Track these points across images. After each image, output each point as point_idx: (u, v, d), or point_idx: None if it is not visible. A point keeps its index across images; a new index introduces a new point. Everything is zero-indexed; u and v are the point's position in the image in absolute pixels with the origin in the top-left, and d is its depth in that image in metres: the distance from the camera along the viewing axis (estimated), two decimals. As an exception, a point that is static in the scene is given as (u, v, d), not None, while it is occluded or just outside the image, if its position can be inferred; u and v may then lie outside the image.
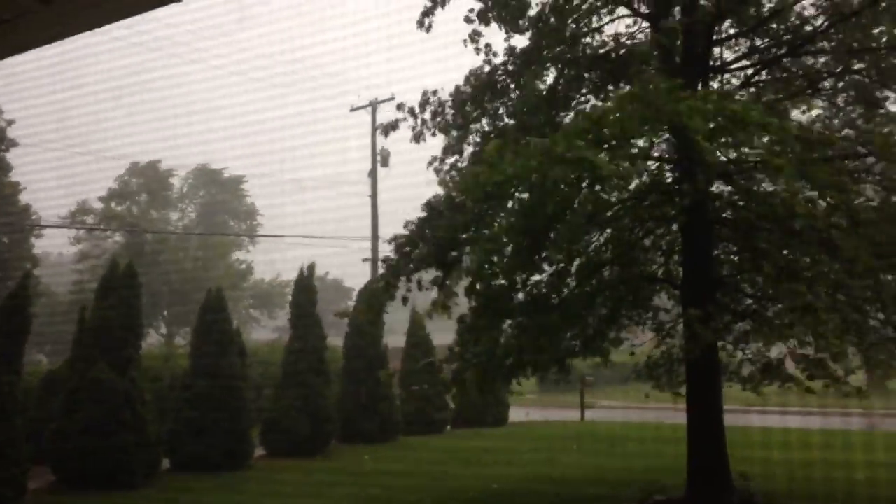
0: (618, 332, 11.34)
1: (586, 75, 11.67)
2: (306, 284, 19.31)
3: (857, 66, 10.93)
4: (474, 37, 11.51)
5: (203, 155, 54.88)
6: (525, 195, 9.51)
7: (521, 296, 10.65)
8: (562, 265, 10.48)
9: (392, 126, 12.01)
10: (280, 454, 17.74)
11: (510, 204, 9.72)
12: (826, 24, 10.48)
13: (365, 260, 29.83)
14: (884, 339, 9.62)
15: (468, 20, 11.37)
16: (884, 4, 9.85)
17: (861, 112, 11.37)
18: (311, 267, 19.59)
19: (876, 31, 10.32)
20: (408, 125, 11.89)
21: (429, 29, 11.36)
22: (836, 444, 17.35)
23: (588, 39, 11.83)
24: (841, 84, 11.40)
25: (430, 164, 11.96)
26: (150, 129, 59.95)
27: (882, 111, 11.09)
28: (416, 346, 22.14)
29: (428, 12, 11.32)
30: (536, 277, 10.71)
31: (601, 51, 11.69)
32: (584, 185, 9.98)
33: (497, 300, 10.20)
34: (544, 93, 11.40)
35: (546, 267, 10.89)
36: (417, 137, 11.86)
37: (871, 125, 10.89)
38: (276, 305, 47.72)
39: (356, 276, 51.16)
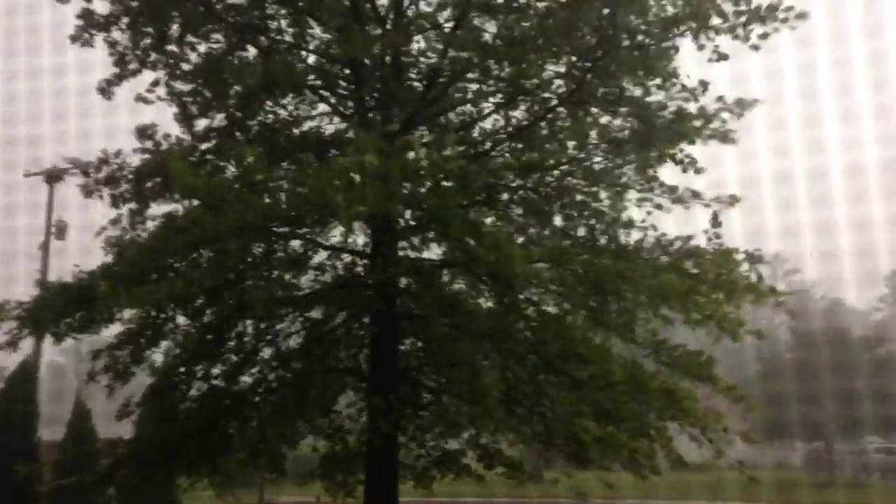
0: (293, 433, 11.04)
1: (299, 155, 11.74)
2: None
3: (529, 183, 12.11)
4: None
5: None
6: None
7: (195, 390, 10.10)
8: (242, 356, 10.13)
9: (57, 176, 11.21)
10: None
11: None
12: (503, 137, 11.57)
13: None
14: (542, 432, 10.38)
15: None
16: (558, 124, 11.13)
17: (532, 224, 12.55)
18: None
19: (549, 147, 11.58)
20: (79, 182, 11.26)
21: (110, 97, 10.99)
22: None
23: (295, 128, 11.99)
24: (515, 197, 12.56)
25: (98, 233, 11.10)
26: None
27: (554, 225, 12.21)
28: (77, 440, 19.68)
29: (112, 82, 10.99)
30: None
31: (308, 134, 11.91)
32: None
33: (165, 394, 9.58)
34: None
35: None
36: (89, 194, 11.36)
37: (543, 237, 11.98)
38: None
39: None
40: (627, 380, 10.02)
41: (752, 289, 9.96)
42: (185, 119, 11.72)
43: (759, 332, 10.69)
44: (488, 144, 11.90)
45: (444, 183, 8.62)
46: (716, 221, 10.54)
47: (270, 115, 11.70)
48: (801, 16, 9.54)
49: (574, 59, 10.27)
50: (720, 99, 10.47)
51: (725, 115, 10.55)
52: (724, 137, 10.71)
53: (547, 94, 10.84)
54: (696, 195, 10.89)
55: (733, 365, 21.30)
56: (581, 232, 11.46)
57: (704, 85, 10.38)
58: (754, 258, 10.20)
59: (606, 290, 9.72)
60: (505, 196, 12.32)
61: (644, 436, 10.31)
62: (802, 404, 37.71)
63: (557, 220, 11.85)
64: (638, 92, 10.62)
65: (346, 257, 11.72)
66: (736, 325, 9.90)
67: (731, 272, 9.98)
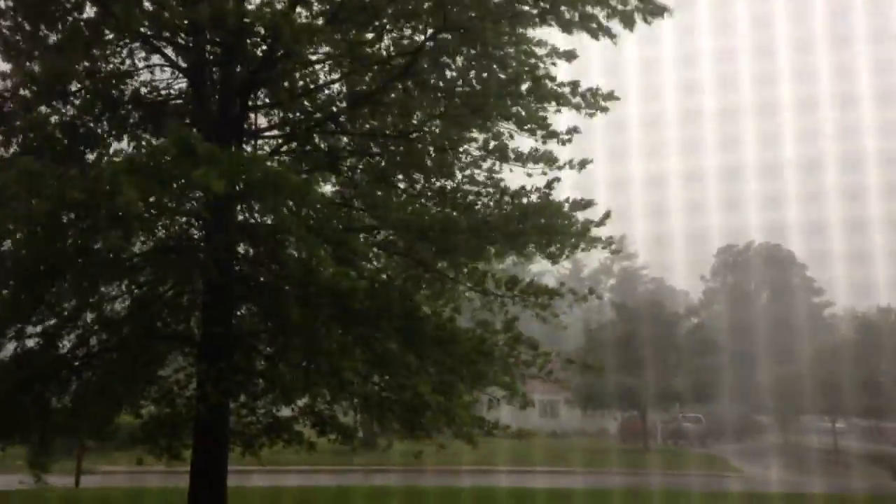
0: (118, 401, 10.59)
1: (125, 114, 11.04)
2: None
3: (374, 150, 12.12)
4: None
5: None
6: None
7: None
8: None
9: None
10: None
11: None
12: (346, 106, 11.46)
13: None
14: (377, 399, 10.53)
15: None
16: (393, 95, 11.16)
17: (379, 190, 12.55)
18: None
19: (389, 119, 11.62)
20: None
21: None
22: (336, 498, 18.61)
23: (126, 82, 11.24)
24: (360, 164, 12.53)
25: None
26: None
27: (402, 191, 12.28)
28: None
29: None
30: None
31: (139, 94, 11.19)
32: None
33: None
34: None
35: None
36: None
37: (388, 203, 12.02)
38: None
39: None
40: (471, 345, 10.44)
41: (577, 234, 10.64)
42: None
43: (573, 291, 11.32)
44: (334, 109, 11.75)
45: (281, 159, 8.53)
46: (552, 181, 11.12)
47: (100, 65, 10.89)
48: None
49: (421, 24, 10.37)
50: (573, 84, 10.86)
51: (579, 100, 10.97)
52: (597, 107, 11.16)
53: (394, 61, 10.84)
54: (548, 160, 11.27)
55: (561, 338, 22.39)
56: (428, 197, 11.65)
57: (569, 55, 10.77)
58: (578, 205, 10.86)
59: (442, 245, 10.09)
60: (351, 161, 12.33)
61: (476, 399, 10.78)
62: (621, 376, 40.43)
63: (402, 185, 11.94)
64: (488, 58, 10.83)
65: (181, 219, 11.24)
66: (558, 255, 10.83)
67: (557, 218, 10.66)
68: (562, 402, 46.21)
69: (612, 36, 10.51)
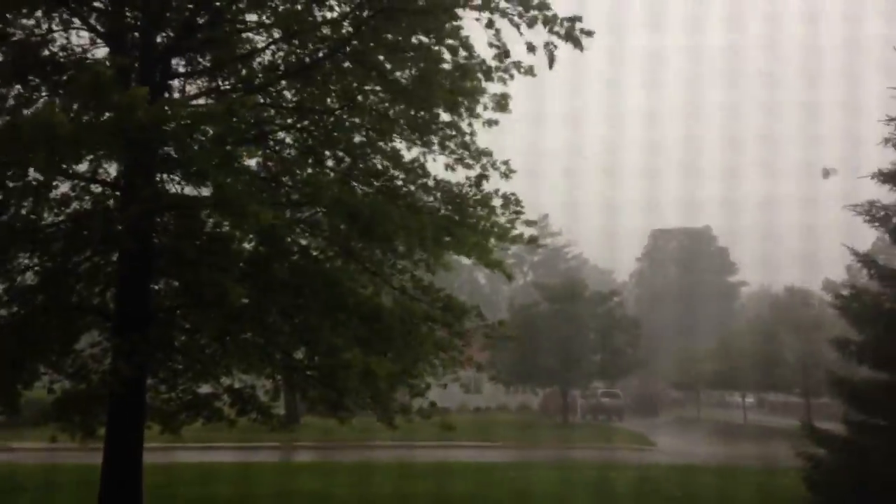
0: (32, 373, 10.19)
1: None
2: None
3: (304, 124, 11.90)
4: None
5: None
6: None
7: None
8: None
9: None
10: None
11: None
12: (278, 76, 11.23)
13: None
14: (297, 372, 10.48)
15: None
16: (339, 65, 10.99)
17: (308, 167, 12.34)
18: None
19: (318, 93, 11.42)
20: None
21: None
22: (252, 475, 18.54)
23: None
24: (288, 138, 12.31)
25: None
26: None
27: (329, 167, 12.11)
28: None
29: None
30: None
31: (56, 59, 10.69)
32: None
33: None
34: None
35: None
36: None
37: (316, 180, 11.84)
38: None
39: None
40: (397, 323, 10.46)
41: (506, 232, 10.73)
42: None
43: (481, 315, 11.52)
44: (264, 80, 11.49)
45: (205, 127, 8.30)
46: (481, 177, 11.17)
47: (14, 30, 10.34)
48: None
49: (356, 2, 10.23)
50: (499, 57, 10.81)
51: (504, 75, 10.95)
52: (502, 105, 11.18)
53: (326, 33, 10.66)
54: (476, 154, 11.30)
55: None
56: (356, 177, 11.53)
57: (503, 53, 10.71)
58: (509, 201, 10.92)
59: (370, 232, 10.00)
60: (280, 135, 12.09)
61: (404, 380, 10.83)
62: (543, 353, 41.25)
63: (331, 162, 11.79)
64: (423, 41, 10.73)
65: (97, 188, 10.86)
66: (494, 261, 10.81)
67: (488, 215, 10.73)
68: (485, 378, 46.81)
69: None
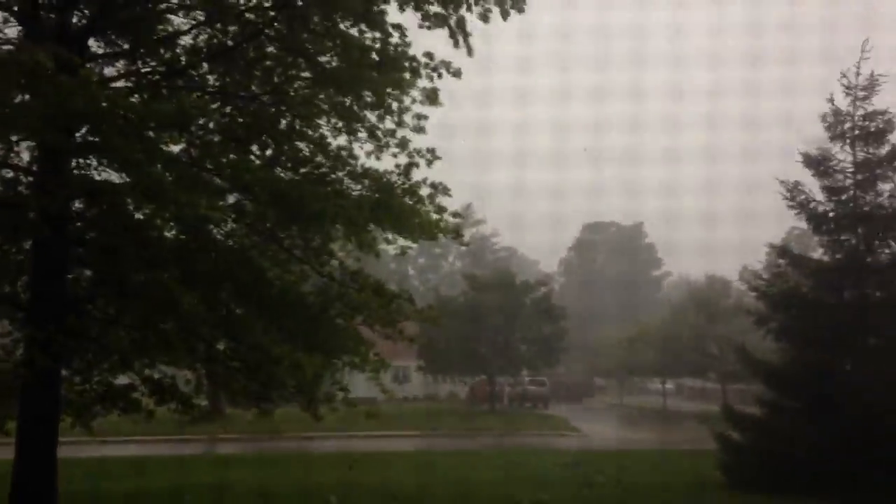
0: None
1: None
2: None
3: (228, 109, 11.67)
4: None
5: None
6: None
7: None
8: None
9: None
10: None
11: None
12: (199, 60, 10.99)
13: None
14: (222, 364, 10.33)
15: None
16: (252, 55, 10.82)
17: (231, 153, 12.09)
18: None
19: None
20: None
21: None
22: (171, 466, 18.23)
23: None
24: (212, 124, 12.04)
25: None
26: None
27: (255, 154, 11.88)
28: None
29: None
30: None
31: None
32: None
33: None
34: None
35: None
36: None
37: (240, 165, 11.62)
38: None
39: None
40: (319, 313, 10.37)
41: (433, 223, 10.77)
42: None
43: (412, 300, 11.54)
44: (187, 63, 11.22)
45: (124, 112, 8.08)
46: (410, 165, 11.16)
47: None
48: None
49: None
50: (428, 55, 10.86)
51: (431, 72, 10.98)
52: (432, 98, 11.21)
53: (250, 18, 10.49)
54: (402, 143, 11.29)
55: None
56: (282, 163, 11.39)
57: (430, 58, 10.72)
58: (438, 189, 10.98)
59: (298, 214, 9.91)
60: (203, 121, 11.83)
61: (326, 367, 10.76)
62: (470, 342, 41.62)
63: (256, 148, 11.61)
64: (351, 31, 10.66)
65: (8, 173, 10.45)
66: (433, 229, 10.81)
67: (415, 204, 10.72)
68: (413, 367, 46.96)
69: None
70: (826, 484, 12.96)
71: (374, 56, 10.48)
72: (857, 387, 13.89)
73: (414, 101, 11.18)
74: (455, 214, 11.44)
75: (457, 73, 10.81)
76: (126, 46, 10.89)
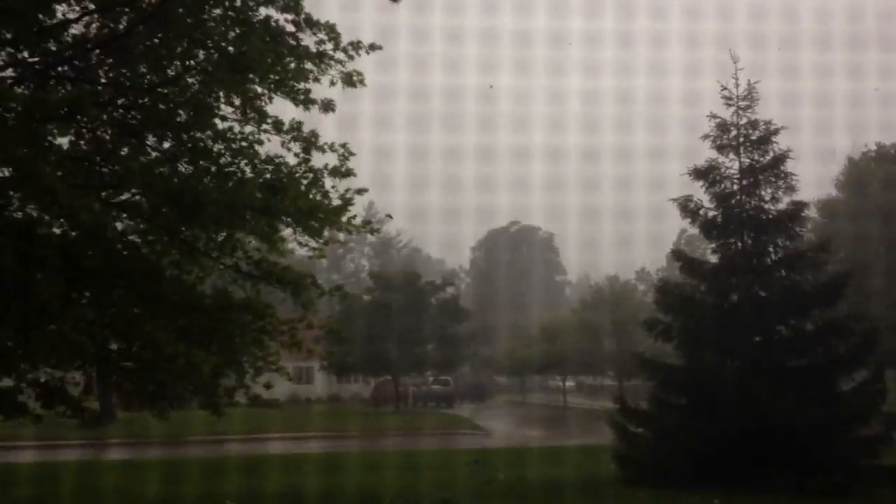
0: None
1: None
2: None
3: (121, 101, 11.22)
4: None
5: None
6: None
7: None
8: None
9: None
10: None
11: None
12: (88, 49, 10.55)
13: None
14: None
15: None
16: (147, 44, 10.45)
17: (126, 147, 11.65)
18: None
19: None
20: None
21: None
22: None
23: None
24: (104, 116, 11.56)
25: None
26: None
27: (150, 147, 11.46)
28: None
29: None
30: None
31: None
32: None
33: None
34: None
35: None
36: None
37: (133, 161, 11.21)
38: None
39: None
40: (216, 309, 10.13)
41: (334, 211, 10.65)
42: None
43: (316, 284, 11.43)
44: (74, 53, 10.74)
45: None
46: (308, 148, 10.99)
47: None
48: None
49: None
50: (333, 39, 10.75)
51: (342, 55, 10.89)
52: (349, 80, 11.11)
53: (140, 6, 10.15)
54: (307, 139, 11.11)
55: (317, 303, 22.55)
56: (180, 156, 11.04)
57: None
58: (338, 172, 10.88)
59: (195, 215, 9.65)
60: (94, 113, 11.35)
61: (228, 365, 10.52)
62: (375, 342, 41.48)
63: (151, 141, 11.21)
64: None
65: None
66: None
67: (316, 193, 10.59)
68: (316, 368, 46.44)
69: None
70: (711, 478, 13.56)
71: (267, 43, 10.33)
72: (740, 384, 14.57)
73: (333, 82, 11.08)
74: (367, 223, 11.36)
75: (374, 47, 10.85)
76: (9, 36, 10.34)
